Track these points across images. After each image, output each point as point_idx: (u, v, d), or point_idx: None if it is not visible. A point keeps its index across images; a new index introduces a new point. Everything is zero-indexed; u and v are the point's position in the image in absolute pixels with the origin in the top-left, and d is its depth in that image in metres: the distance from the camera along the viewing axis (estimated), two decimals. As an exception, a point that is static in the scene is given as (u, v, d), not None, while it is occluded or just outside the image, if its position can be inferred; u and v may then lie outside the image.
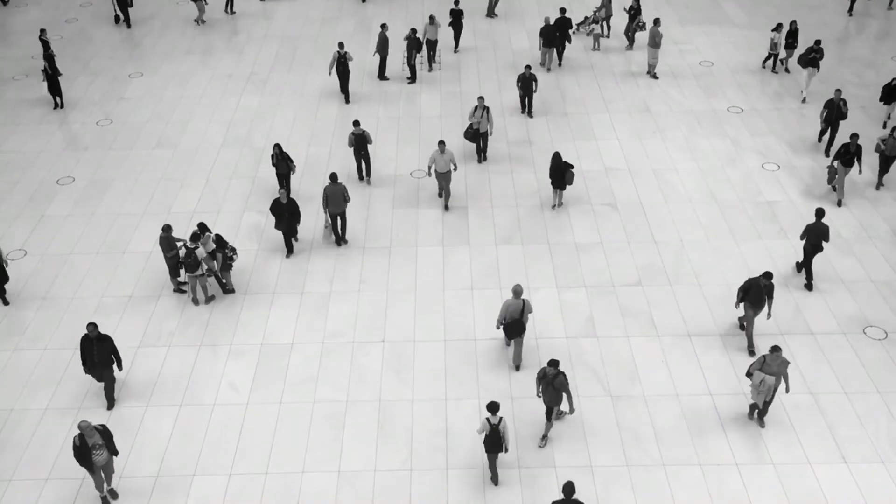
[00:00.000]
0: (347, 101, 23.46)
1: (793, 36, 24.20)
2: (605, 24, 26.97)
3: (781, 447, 13.48)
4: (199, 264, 15.91)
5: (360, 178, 20.15)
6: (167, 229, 16.12)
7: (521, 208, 19.12)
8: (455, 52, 26.31)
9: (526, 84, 21.91)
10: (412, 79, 24.51)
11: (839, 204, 18.92)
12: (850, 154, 18.53)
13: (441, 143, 18.01)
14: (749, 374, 13.39)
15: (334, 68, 23.76)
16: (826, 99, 22.85)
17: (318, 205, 19.35)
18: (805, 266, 16.55)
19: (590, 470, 13.17)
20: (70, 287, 17.06)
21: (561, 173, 18.46)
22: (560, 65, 25.43)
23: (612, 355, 15.26)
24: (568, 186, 19.58)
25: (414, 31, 23.71)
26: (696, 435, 13.73)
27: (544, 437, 13.46)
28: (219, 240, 16.37)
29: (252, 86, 24.58)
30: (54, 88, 23.13)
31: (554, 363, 12.73)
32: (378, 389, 14.63)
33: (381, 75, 24.71)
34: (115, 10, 28.23)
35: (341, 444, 13.66)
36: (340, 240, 18.05)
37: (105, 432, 12.24)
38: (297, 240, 18.08)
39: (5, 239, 18.42)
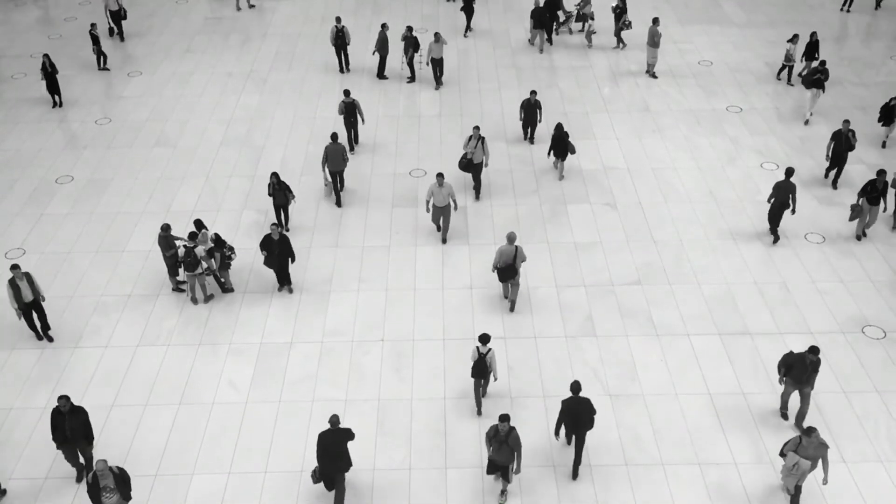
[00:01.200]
0: (346, 69, 25.08)
1: (813, 48, 23.23)
2: (585, 19, 26.96)
3: (780, 446, 13.49)
4: (199, 263, 15.90)
5: (351, 148, 21.26)
6: (166, 228, 16.11)
7: (520, 207, 19.13)
8: (465, 35, 26.97)
9: (530, 111, 20.69)
10: (411, 78, 24.51)
11: (858, 238, 17.84)
12: (876, 192, 17.28)
13: (439, 175, 16.97)
14: (783, 455, 12.10)
15: (333, 41, 24.63)
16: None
17: (317, 202, 19.34)
18: (772, 224, 17.68)
19: (589, 469, 13.18)
20: (69, 286, 17.05)
21: (563, 143, 19.53)
22: (551, 43, 26.33)
23: (612, 354, 15.26)
24: (570, 156, 20.88)
25: (410, 28, 23.71)
26: (695, 434, 13.74)
27: (503, 492, 12.51)
28: (217, 239, 16.37)
29: (252, 84, 24.57)
30: (53, 87, 23.10)
31: (505, 418, 11.74)
32: (377, 388, 14.64)
33: (381, 74, 24.69)
34: (109, 23, 27.29)
35: (340, 443, 13.65)
36: (339, 199, 19.19)
37: (121, 476, 11.51)
38: (290, 289, 16.62)
39: (4, 237, 18.41)
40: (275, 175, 17.48)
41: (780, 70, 24.08)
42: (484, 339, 13.37)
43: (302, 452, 13.52)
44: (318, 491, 12.92)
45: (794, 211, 17.43)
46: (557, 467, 13.21)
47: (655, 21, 23.67)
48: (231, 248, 16.50)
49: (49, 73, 22.81)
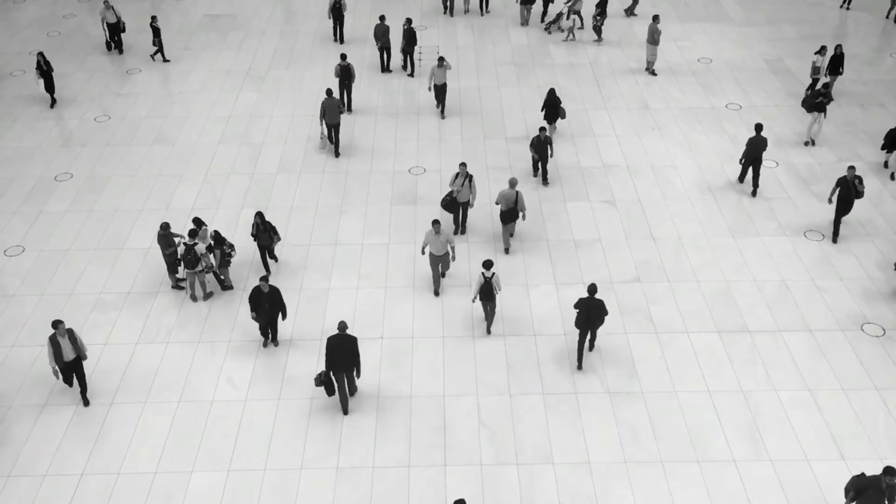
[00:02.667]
0: (342, 42, 26.20)
1: (837, 61, 22.46)
2: (578, 16, 26.99)
3: (779, 444, 13.51)
4: (198, 261, 15.90)
5: (346, 108, 22.60)
6: (165, 227, 16.10)
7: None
8: (482, 14, 27.71)
9: (540, 148, 19.07)
10: (411, 73, 24.54)
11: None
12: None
13: (436, 222, 15.68)
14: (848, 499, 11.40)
15: (330, 13, 25.99)
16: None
17: (316, 202, 19.34)
18: (745, 174, 19.46)
19: (588, 466, 13.19)
20: (68, 283, 17.04)
21: (555, 107, 20.82)
22: (542, 22, 27.21)
23: (611, 352, 15.27)
24: (560, 121, 21.96)
25: (409, 20, 23.90)
26: (693, 431, 13.75)
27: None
28: (217, 236, 16.36)
29: (250, 82, 24.55)
30: (49, 86, 22.94)
31: (487, 264, 14.59)
32: (376, 385, 14.64)
33: (385, 68, 24.88)
34: (107, 37, 26.10)
35: (339, 441, 13.66)
36: (337, 150, 20.63)
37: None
38: (276, 343, 15.44)
39: (3, 235, 18.40)
40: (259, 215, 16.21)
41: (810, 86, 22.80)
42: (487, 264, 14.79)
43: (301, 450, 13.53)
44: (315, 487, 12.92)
45: (755, 171, 18.87)
46: (556, 464, 13.22)
47: (655, 18, 23.67)
48: (231, 246, 16.49)
49: (45, 71, 22.71)
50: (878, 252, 17.57)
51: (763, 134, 21.01)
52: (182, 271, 17.05)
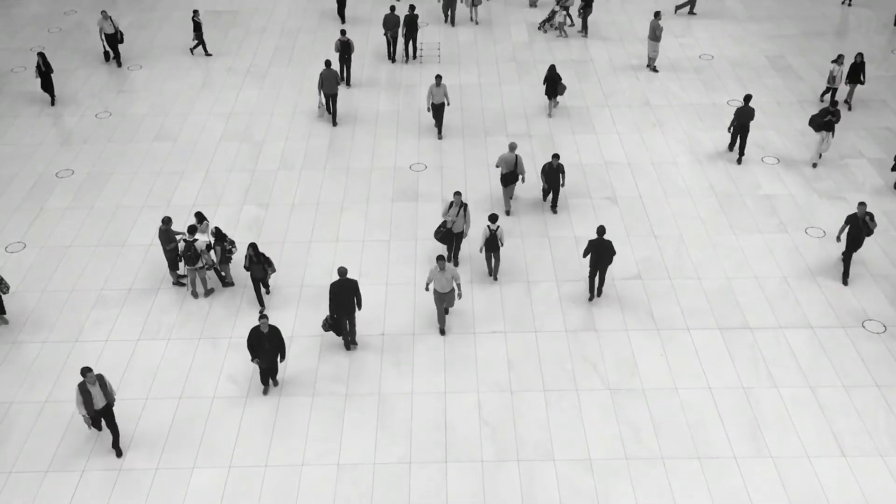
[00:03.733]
0: (343, 21, 26.84)
1: (858, 70, 21.53)
2: (569, 13, 26.95)
3: (780, 440, 13.51)
4: (199, 257, 15.90)
5: (346, 82, 23.78)
6: (167, 222, 16.10)
7: (520, 202, 19.11)
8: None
9: (552, 176, 18.07)
10: (414, 56, 25.27)
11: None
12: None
13: (440, 258, 14.72)
14: None
15: None
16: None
17: (317, 199, 19.34)
18: (734, 143, 20.41)
19: (589, 463, 13.19)
20: (69, 280, 17.06)
21: (554, 83, 21.58)
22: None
23: (612, 349, 15.27)
24: (559, 97, 22.75)
25: (412, 7, 24.71)
26: (694, 428, 13.75)
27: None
28: (218, 233, 16.36)
29: (251, 79, 24.54)
30: (48, 86, 22.77)
31: (494, 217, 15.88)
32: (377, 382, 14.65)
33: (391, 56, 25.34)
34: (105, 47, 25.18)
35: (340, 437, 13.67)
36: (335, 119, 21.82)
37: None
38: (276, 383, 14.59)
39: (5, 231, 18.41)
40: (252, 246, 15.33)
41: (824, 93, 22.39)
42: (493, 218, 16.03)
43: (302, 447, 13.54)
44: (316, 484, 12.93)
45: (742, 142, 19.86)
46: (557, 461, 13.24)
47: (657, 15, 23.63)
48: (232, 242, 16.49)
49: (43, 72, 22.52)
50: (879, 249, 17.55)
51: (751, 105, 22.21)
52: (183, 268, 17.06)
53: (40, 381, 14.80)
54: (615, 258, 17.27)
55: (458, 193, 16.35)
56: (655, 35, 23.80)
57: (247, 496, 12.79)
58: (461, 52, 25.86)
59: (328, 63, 21.31)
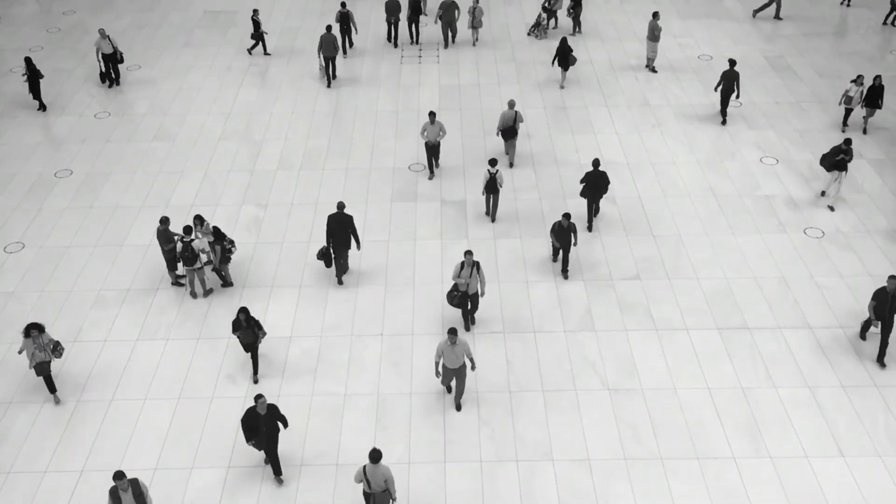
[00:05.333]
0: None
1: (876, 94, 20.44)
2: (555, 16, 26.88)
3: (779, 441, 13.52)
4: (197, 257, 15.88)
5: (344, 52, 25.32)
6: (165, 221, 16.09)
7: (519, 202, 19.12)
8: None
9: (562, 235, 16.49)
10: (414, 40, 26.16)
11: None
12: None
13: (452, 332, 13.23)
14: None
15: None
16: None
17: (316, 199, 19.34)
18: (723, 107, 21.35)
19: (587, 463, 13.20)
20: (68, 280, 17.04)
21: (566, 55, 22.85)
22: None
23: (611, 349, 15.27)
24: (571, 68, 24.18)
25: None
26: (693, 428, 13.76)
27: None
28: (217, 232, 16.35)
29: (250, 79, 24.53)
30: (36, 91, 22.45)
31: (493, 162, 17.47)
32: (376, 383, 14.64)
33: (392, 39, 26.18)
34: (101, 68, 24.02)
35: (339, 437, 13.67)
36: (330, 81, 23.63)
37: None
38: (281, 480, 12.96)
39: (3, 231, 18.40)
40: (243, 311, 13.96)
41: (845, 119, 21.34)
42: (492, 162, 17.54)
43: (301, 447, 13.53)
44: (315, 484, 12.93)
45: (738, 96, 21.26)
46: (556, 460, 13.24)
47: (655, 15, 23.64)
48: (231, 242, 16.48)
49: (29, 76, 22.14)
50: (877, 250, 17.56)
51: (736, 69, 24.01)
52: (181, 268, 17.05)
53: (39, 381, 14.78)
54: (610, 187, 19.25)
55: (469, 253, 14.89)
56: (654, 35, 23.81)
57: (246, 497, 12.78)
58: (459, 53, 25.85)
59: (329, 28, 22.91)
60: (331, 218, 15.96)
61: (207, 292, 16.54)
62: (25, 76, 22.31)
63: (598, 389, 14.48)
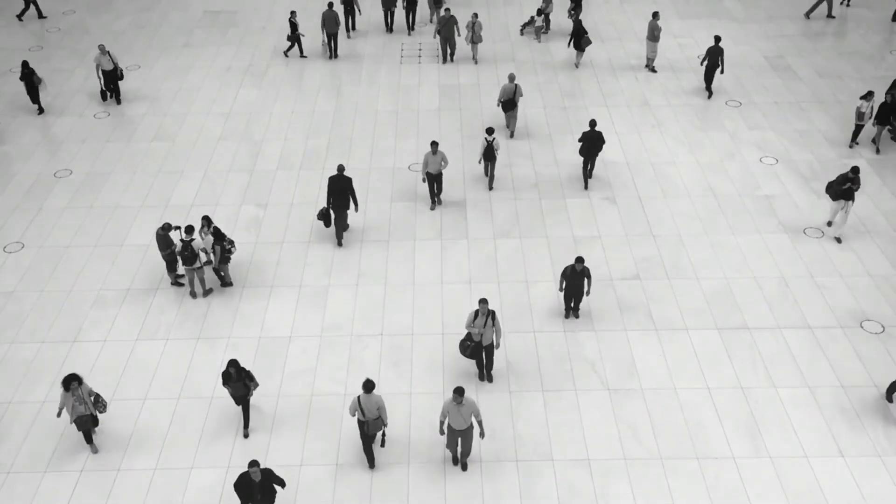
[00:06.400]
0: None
1: (888, 111, 19.84)
2: (547, 18, 26.81)
3: (778, 440, 13.52)
4: (196, 257, 15.88)
5: (347, 32, 26.65)
6: (166, 228, 16.06)
7: (519, 201, 19.12)
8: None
9: (574, 281, 15.29)
10: (412, 26, 26.97)
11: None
12: None
13: (458, 392, 12.16)
14: None
15: None
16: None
17: (316, 199, 19.33)
18: (708, 82, 22.85)
19: (587, 463, 13.20)
20: (68, 280, 17.04)
21: (580, 37, 24.05)
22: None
23: (610, 349, 15.27)
24: (586, 48, 25.15)
25: None
26: (693, 428, 13.76)
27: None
28: (217, 232, 16.35)
29: (250, 78, 24.53)
30: (33, 94, 22.37)
31: (490, 131, 18.39)
32: (376, 383, 14.63)
33: (389, 28, 27.08)
34: (101, 85, 23.06)
35: (339, 437, 13.67)
36: (333, 54, 25.20)
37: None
38: None
39: (3, 231, 18.39)
40: (233, 364, 13.03)
41: (854, 135, 20.63)
42: (489, 130, 18.59)
43: (300, 447, 13.53)
44: (315, 484, 12.92)
45: (722, 71, 22.68)
46: (556, 460, 13.23)
47: (655, 15, 23.65)
48: (231, 242, 16.48)
49: (25, 80, 22.05)
50: (877, 249, 17.56)
51: (721, 45, 25.13)
52: (181, 268, 17.05)
53: (38, 381, 14.78)
54: (605, 147, 20.71)
55: (484, 301, 13.90)
56: (654, 35, 23.81)
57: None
58: (459, 52, 25.85)
59: (330, 4, 24.29)
60: (331, 180, 17.04)
61: (207, 292, 16.54)
62: (24, 79, 22.24)
63: (598, 389, 14.47)
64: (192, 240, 15.80)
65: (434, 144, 18.08)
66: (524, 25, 26.82)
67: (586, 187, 19.34)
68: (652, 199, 19.20)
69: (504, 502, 12.63)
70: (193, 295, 16.46)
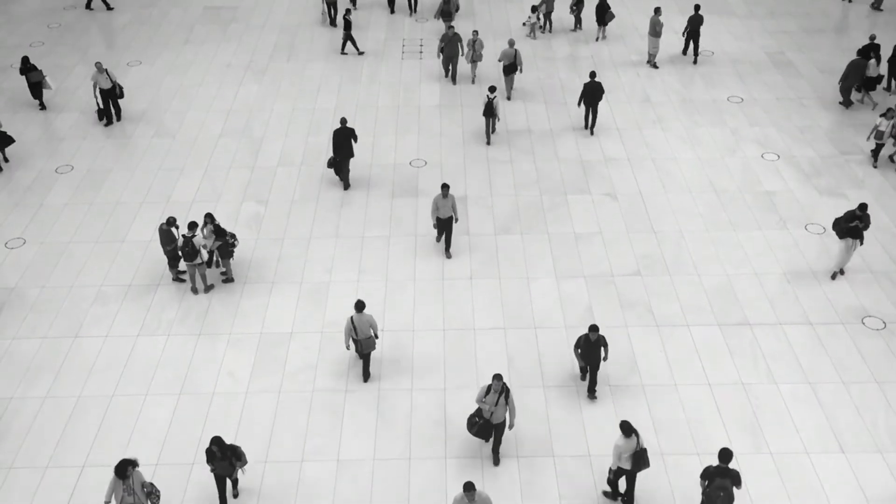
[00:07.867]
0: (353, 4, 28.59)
1: None
2: (548, 18, 26.66)
3: (779, 436, 13.52)
4: (198, 253, 15.89)
5: (353, 4, 28.44)
6: (171, 222, 16.05)
7: (520, 197, 19.11)
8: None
9: (590, 350, 13.75)
10: (413, 11, 28.18)
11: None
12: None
13: (468, 486, 10.93)
14: None
15: None
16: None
17: (317, 195, 19.33)
18: (688, 47, 24.82)
19: (588, 459, 13.21)
20: (69, 276, 17.05)
21: (603, 11, 25.48)
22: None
23: (611, 345, 15.27)
24: (609, 23, 26.47)
25: None
26: (694, 424, 13.76)
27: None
28: (218, 228, 16.34)
29: (251, 75, 24.51)
30: (35, 91, 22.34)
31: (492, 89, 20.20)
32: (377, 379, 14.65)
33: (391, 8, 28.15)
34: (99, 105, 21.88)
35: (340, 433, 13.68)
36: (333, 22, 27.04)
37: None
38: None
39: (4, 227, 18.40)
40: (216, 441, 11.88)
41: (874, 153, 19.81)
42: (491, 89, 20.18)
43: (302, 443, 13.55)
44: (316, 480, 12.94)
45: (696, 42, 24.17)
46: (557, 456, 13.24)
47: (657, 11, 23.61)
48: (233, 236, 16.48)
49: (25, 75, 22.01)
50: (879, 245, 17.55)
51: (700, 13, 25.24)
52: (182, 264, 17.05)
53: (40, 377, 14.80)
54: (605, 96, 22.37)
55: (498, 377, 12.54)
56: (655, 31, 23.78)
57: (246, 492, 12.79)
58: (462, 86, 25.76)
59: None
60: (336, 132, 18.73)
61: (208, 288, 16.55)
62: (21, 71, 22.22)
63: (599, 385, 14.47)
64: (194, 236, 15.81)
65: (445, 187, 16.47)
66: (523, 24, 26.80)
67: (592, 133, 21.20)
68: (653, 195, 19.18)
69: (505, 498, 12.63)
70: (195, 291, 16.47)
